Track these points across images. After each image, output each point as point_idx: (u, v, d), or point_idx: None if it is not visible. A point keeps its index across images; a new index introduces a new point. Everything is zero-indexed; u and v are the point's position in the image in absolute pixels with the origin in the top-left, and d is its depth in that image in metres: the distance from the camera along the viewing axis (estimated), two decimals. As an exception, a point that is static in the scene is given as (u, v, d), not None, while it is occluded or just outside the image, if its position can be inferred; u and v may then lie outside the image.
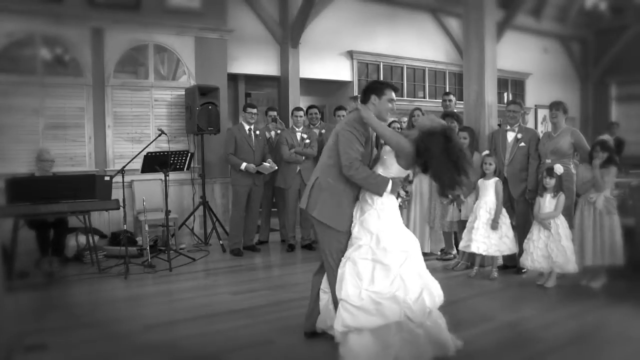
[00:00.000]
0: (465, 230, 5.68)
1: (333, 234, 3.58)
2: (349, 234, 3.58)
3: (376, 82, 3.89)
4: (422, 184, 6.44)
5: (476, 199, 5.69)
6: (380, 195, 3.51)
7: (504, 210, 5.59)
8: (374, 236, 3.48)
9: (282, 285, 5.40)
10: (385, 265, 3.40)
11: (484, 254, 5.56)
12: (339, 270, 3.48)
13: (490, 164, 5.59)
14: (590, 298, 4.90)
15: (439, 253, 6.54)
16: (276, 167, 6.91)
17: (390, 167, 3.57)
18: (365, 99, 3.69)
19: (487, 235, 5.49)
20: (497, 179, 5.60)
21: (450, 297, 4.92)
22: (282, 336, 3.91)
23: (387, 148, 3.62)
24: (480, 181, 5.66)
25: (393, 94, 3.66)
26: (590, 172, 5.16)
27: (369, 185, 3.51)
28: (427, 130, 3.49)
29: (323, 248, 3.63)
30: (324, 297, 3.77)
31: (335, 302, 3.50)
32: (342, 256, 3.54)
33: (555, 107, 5.68)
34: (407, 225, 6.45)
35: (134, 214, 7.15)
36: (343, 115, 7.02)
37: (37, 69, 6.68)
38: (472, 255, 5.77)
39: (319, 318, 3.81)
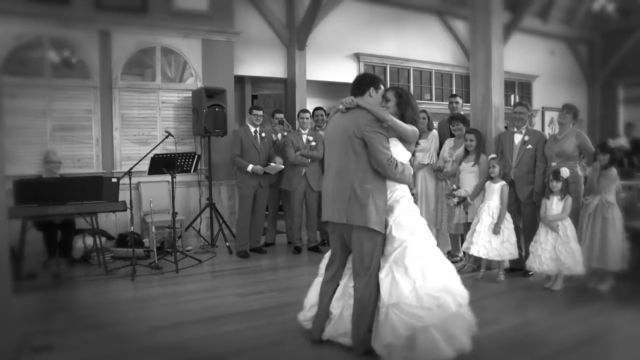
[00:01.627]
0: (468, 232, 5.68)
1: (380, 238, 3.55)
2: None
3: (371, 75, 3.86)
4: (428, 186, 6.42)
5: (482, 201, 5.67)
6: (411, 183, 3.60)
7: (508, 215, 5.55)
8: (412, 232, 3.56)
9: (289, 287, 5.40)
10: (429, 257, 3.55)
11: (483, 257, 5.54)
12: (385, 277, 3.48)
13: (494, 167, 5.56)
14: (597, 301, 4.88)
15: (446, 255, 6.51)
16: (283, 166, 6.92)
17: (397, 154, 3.59)
18: (362, 91, 3.68)
19: (488, 240, 5.46)
20: (503, 182, 5.57)
21: (456, 299, 4.95)
22: (289, 338, 3.91)
23: None
24: (487, 184, 5.63)
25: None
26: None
27: (403, 178, 3.57)
28: (397, 99, 3.70)
29: (367, 255, 3.52)
30: (337, 305, 3.74)
31: (367, 309, 3.50)
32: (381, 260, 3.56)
33: (567, 109, 5.66)
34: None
35: (141, 216, 7.17)
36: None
37: (44, 72, 6.71)
38: (479, 258, 5.74)
39: (332, 326, 3.76)
